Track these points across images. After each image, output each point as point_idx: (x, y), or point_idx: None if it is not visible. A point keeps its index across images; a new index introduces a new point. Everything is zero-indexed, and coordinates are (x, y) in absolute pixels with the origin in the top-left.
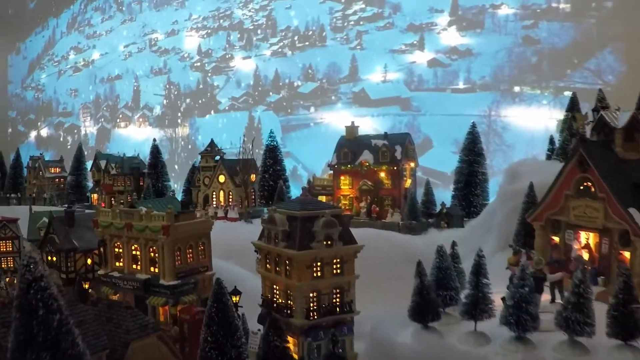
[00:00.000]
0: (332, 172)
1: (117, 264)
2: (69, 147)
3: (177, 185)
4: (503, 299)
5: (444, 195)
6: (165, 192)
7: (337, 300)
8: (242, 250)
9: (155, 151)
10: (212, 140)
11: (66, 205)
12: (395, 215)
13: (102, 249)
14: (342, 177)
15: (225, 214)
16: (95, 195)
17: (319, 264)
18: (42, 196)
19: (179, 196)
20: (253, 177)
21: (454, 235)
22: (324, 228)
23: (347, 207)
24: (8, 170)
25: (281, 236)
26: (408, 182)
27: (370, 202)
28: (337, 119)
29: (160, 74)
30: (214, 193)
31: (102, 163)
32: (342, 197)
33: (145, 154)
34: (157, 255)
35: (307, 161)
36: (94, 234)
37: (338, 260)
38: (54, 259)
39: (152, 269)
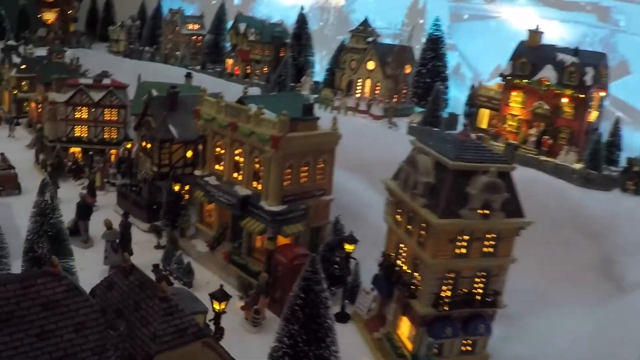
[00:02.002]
0: (502, 82)
1: (217, 167)
2: (213, 2)
3: (322, 63)
4: None
5: (634, 138)
6: (306, 68)
7: (480, 287)
8: (376, 164)
9: (302, 20)
10: (366, 19)
11: (198, 67)
12: (571, 155)
13: (201, 146)
14: (513, 93)
15: (367, 108)
16: (230, 60)
17: (466, 237)
18: (176, 53)
19: (321, 76)
20: (408, 69)
21: None
22: (484, 192)
23: (513, 130)
24: (148, 20)
25: (422, 189)
26: (594, 116)
27: (542, 131)
28: (517, 17)
29: None
30: (360, 80)
31: (242, 27)
32: (509, 116)
33: (291, 22)
34: (262, 168)
35: (474, 60)
36: None
37: (494, 235)
38: (149, 146)
39: (254, 184)
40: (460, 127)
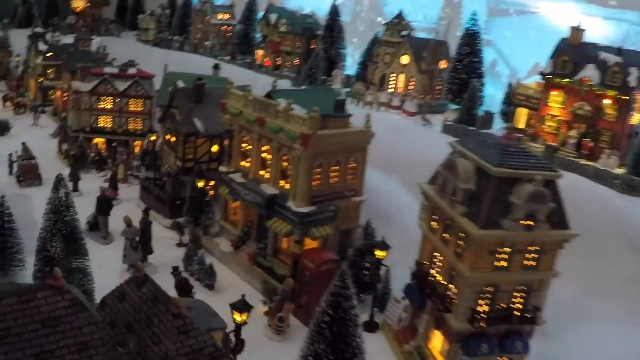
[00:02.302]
0: (542, 81)
1: (243, 163)
2: None
3: (354, 56)
4: None
5: None
6: (338, 61)
7: (519, 302)
8: (410, 164)
9: (334, 12)
10: (400, 12)
11: (227, 58)
12: (612, 159)
13: (227, 141)
14: (553, 92)
15: (401, 103)
16: (260, 52)
17: (507, 250)
18: (205, 43)
19: (353, 70)
20: (443, 64)
21: None
22: (528, 201)
23: (552, 131)
24: (177, 9)
25: (461, 196)
26: (636, 118)
27: (582, 133)
28: (556, 13)
29: None
30: (393, 75)
31: (273, 17)
32: (548, 116)
33: (323, 13)
34: (290, 166)
35: (511, 56)
36: None
37: (537, 248)
38: (173, 139)
39: (282, 182)
40: (495, 126)
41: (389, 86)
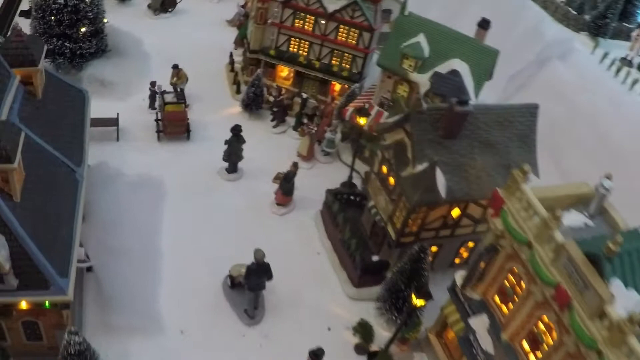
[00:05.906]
0: None
1: (497, 302)
2: None
3: None
4: None
5: None
6: (637, 6)
7: None
8: None
9: None
10: None
11: None
12: None
13: (484, 263)
14: None
15: None
16: None
17: None
18: None
19: None
20: None
21: None
22: None
23: None
24: None
25: None
26: None
27: None
28: None
29: None
30: None
31: None
32: None
33: None
34: None
35: None
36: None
37: None
38: (392, 181)
39: None
40: None
41: None
